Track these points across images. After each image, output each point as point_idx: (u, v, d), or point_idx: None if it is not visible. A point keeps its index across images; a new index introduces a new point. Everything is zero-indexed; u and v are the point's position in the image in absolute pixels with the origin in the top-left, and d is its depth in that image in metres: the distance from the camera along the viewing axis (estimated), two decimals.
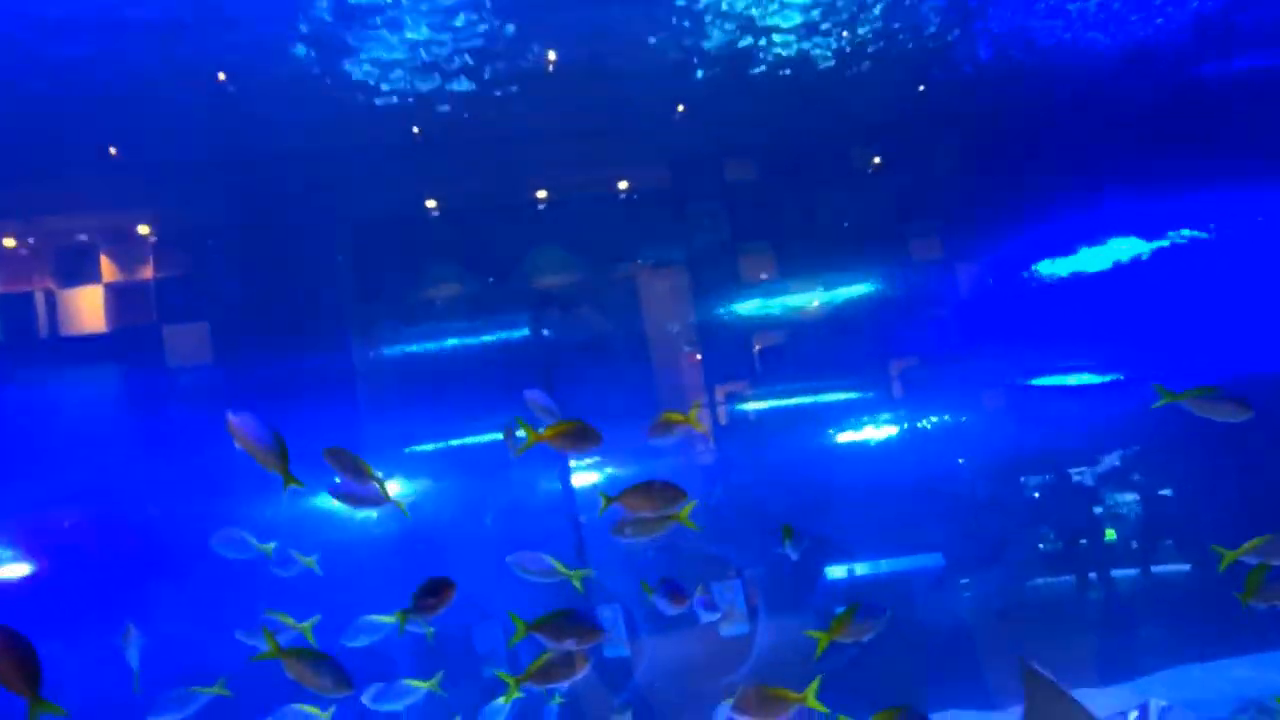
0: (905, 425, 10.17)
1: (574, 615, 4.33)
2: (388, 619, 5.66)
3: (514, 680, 4.43)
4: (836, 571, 8.82)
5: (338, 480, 4.64)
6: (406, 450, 9.87)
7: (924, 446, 9.89)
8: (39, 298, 10.30)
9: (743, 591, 8.82)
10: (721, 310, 10.79)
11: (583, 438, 4.53)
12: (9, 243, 10.13)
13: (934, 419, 10.25)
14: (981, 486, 9.39)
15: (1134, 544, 9.55)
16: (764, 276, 10.92)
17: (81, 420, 9.74)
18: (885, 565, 8.35)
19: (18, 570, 9.11)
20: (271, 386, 9.70)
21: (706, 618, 5.61)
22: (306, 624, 5.31)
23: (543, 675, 4.37)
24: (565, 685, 4.59)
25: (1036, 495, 9.88)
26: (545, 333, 9.46)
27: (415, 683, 5.51)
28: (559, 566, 5.20)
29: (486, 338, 9.82)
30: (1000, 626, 8.40)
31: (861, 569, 8.46)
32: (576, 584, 5.17)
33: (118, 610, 5.42)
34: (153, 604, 7.93)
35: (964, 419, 10.20)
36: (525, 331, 9.19)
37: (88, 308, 10.49)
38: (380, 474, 4.60)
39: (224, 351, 10.26)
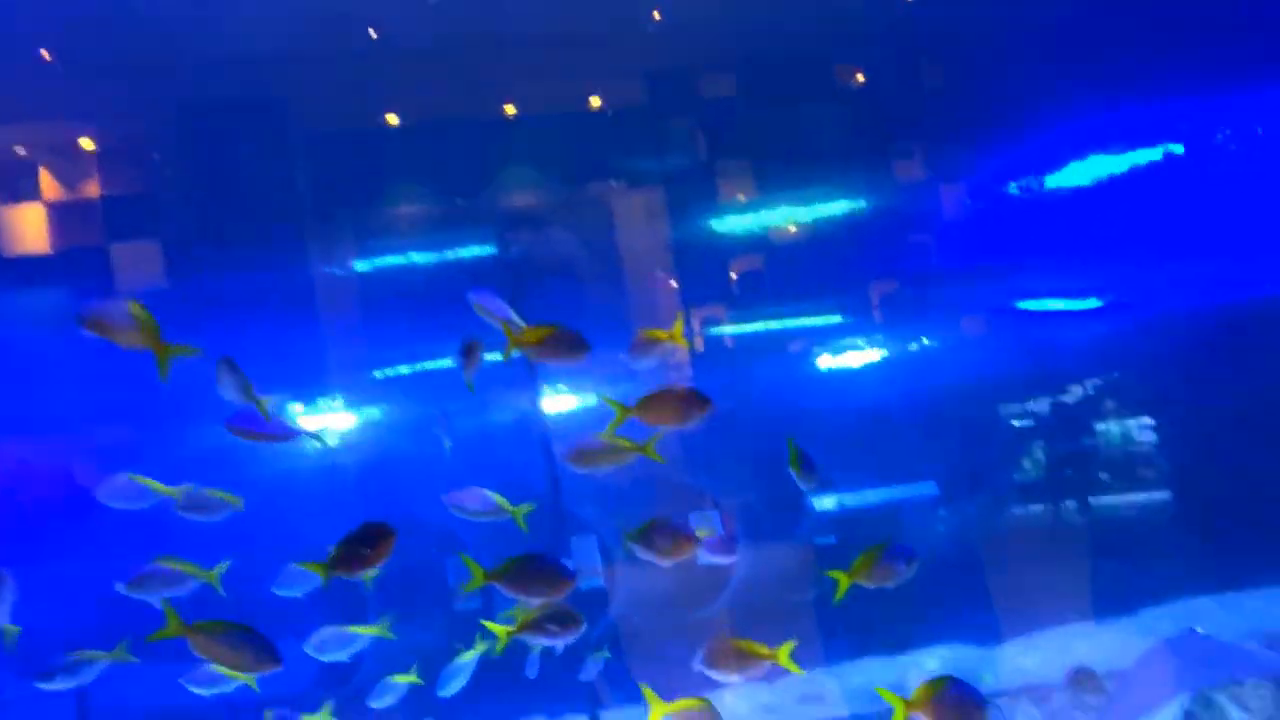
0: (887, 350, 9.92)
1: (540, 561, 3.80)
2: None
3: (503, 632, 3.96)
4: (824, 501, 8.60)
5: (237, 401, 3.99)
6: (370, 374, 9.50)
7: (906, 371, 9.66)
8: None
9: (721, 522, 8.61)
10: (698, 232, 10.41)
11: (567, 345, 4.02)
12: None
13: (917, 344, 10.01)
14: (968, 412, 9.18)
15: (1139, 472, 9.42)
16: (742, 197, 10.53)
17: (24, 348, 9.25)
18: (874, 495, 8.12)
19: None
20: (227, 307, 9.25)
21: (713, 558, 4.86)
22: (214, 571, 4.46)
23: (535, 629, 3.90)
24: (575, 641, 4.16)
25: (1023, 422, 9.73)
26: (513, 253, 9.01)
27: (359, 629, 5.06)
28: (502, 503, 4.70)
29: (452, 257, 9.36)
30: (993, 558, 8.25)
31: (851, 499, 8.23)
32: (520, 522, 4.69)
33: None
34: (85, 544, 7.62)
35: (947, 343, 9.96)
36: (493, 251, 8.74)
37: (28, 227, 9.97)
38: (270, 399, 4.03)
39: (177, 272, 9.78)
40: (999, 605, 7.64)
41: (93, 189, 9.93)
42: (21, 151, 9.79)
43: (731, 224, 10.44)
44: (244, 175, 9.58)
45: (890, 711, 3.37)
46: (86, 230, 9.89)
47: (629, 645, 7.11)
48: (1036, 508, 9.42)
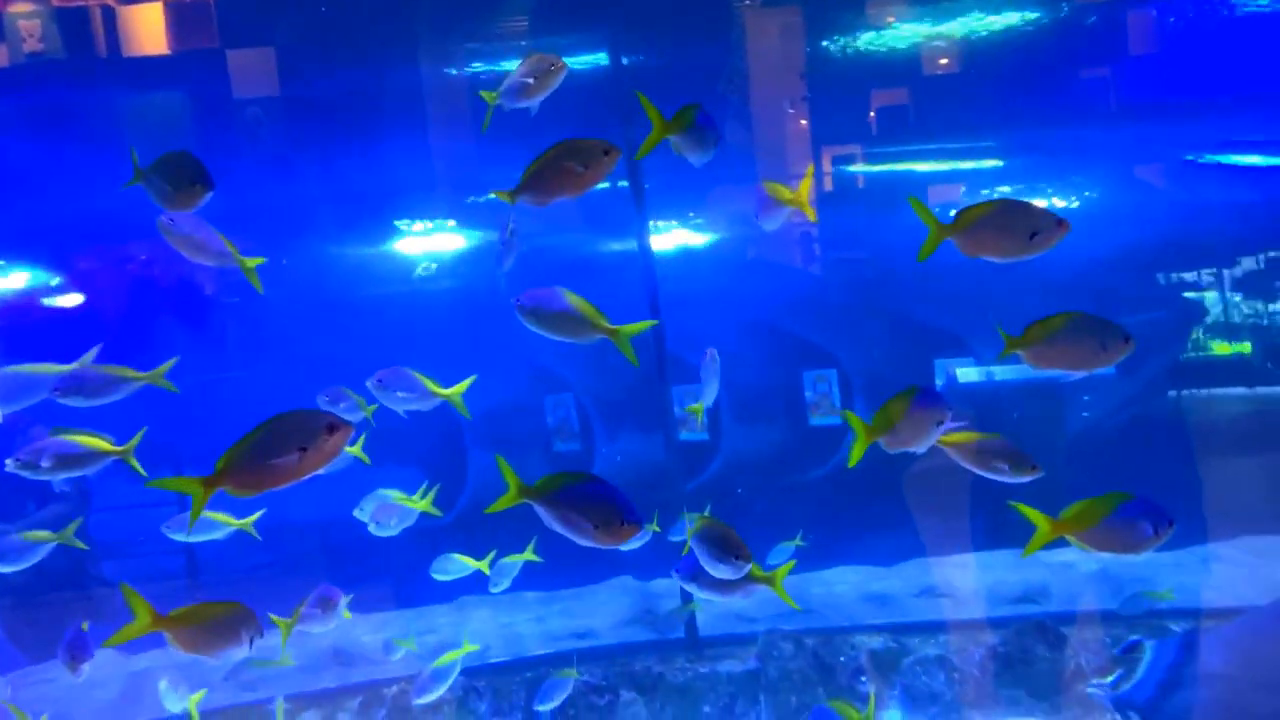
0: (1044, 203, 8.81)
1: (597, 488, 2.82)
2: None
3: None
4: (967, 372, 7.79)
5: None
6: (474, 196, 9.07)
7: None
8: (95, 14, 9.55)
9: (837, 382, 8.05)
10: (838, 59, 9.30)
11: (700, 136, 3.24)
12: None
13: (1078, 197, 8.85)
14: (1130, 282, 8.13)
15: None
16: (892, 19, 9.29)
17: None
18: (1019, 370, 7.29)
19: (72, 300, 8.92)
20: (340, 114, 8.89)
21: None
22: (248, 520, 4.21)
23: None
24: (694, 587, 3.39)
25: (1194, 295, 8.61)
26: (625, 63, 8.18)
27: (403, 497, 4.68)
28: (432, 386, 4.09)
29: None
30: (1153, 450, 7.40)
31: (1002, 371, 7.40)
32: (462, 409, 4.08)
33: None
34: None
35: (1115, 198, 8.75)
36: (605, 62, 7.93)
37: (147, 27, 9.74)
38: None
39: (290, 80, 9.45)
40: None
41: None
42: None
43: (876, 51, 9.27)
44: None
45: None
46: (203, 33, 9.61)
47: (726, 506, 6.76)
48: (1198, 395, 8.42)
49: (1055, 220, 2.95)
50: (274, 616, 4.23)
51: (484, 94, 3.82)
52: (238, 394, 8.16)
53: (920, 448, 3.21)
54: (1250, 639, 5.11)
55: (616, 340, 3.26)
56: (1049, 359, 3.07)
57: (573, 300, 3.29)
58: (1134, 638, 5.96)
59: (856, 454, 3.21)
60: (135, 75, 9.66)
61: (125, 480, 4.02)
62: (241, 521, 4.58)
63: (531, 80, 3.69)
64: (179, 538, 4.76)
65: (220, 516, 4.57)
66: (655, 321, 3.26)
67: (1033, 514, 3.02)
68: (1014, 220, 2.99)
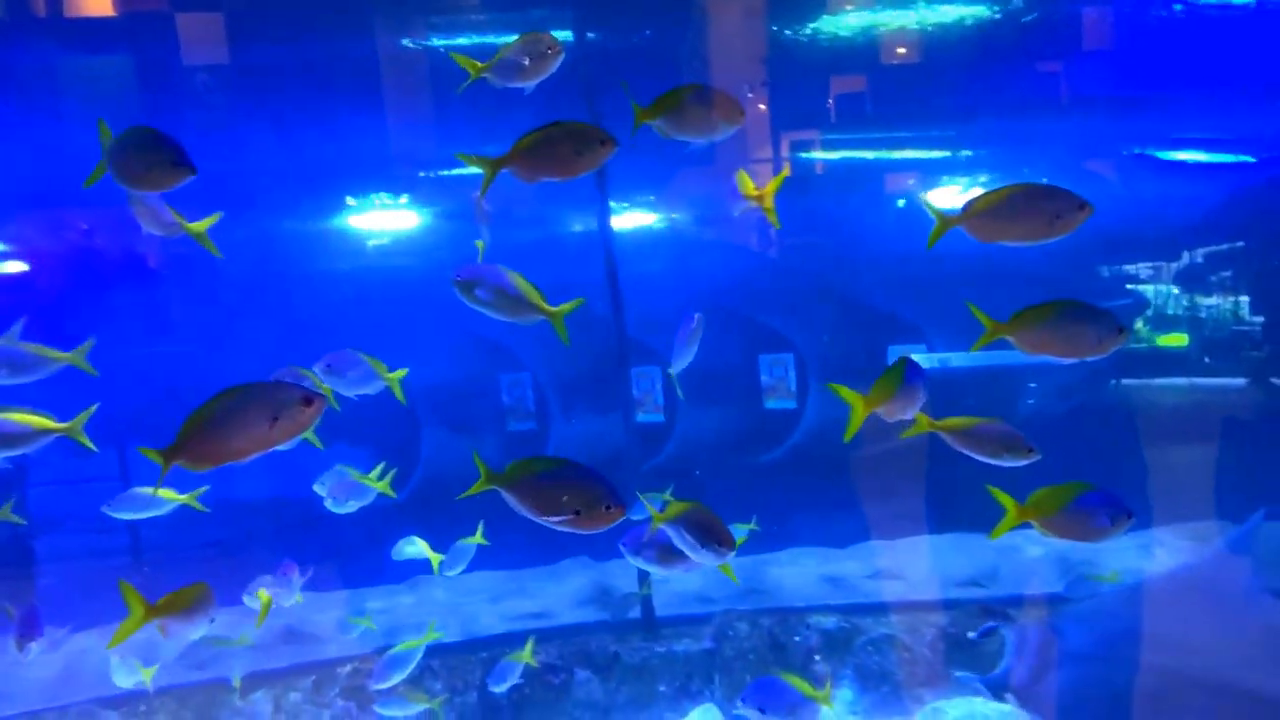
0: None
1: (576, 472, 2.74)
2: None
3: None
4: (919, 359, 7.89)
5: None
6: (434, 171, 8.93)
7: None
8: None
9: (794, 366, 8.11)
10: (799, 43, 9.32)
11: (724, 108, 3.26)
12: None
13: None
14: (1074, 272, 8.29)
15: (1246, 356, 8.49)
16: (850, 7, 9.33)
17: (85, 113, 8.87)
18: (979, 357, 7.41)
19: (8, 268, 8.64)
20: (289, 80, 8.68)
21: None
22: (193, 495, 4.07)
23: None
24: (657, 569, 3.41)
25: (1137, 287, 8.81)
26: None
27: (361, 476, 4.60)
28: (379, 368, 4.02)
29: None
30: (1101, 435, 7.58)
31: (957, 358, 7.51)
32: (398, 392, 4.03)
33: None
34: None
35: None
36: (570, 37, 7.82)
37: None
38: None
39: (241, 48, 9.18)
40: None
41: None
42: None
43: (836, 39, 9.31)
44: None
45: None
46: None
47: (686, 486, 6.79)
48: (1139, 385, 8.64)
49: (1078, 203, 2.97)
50: (261, 593, 4.17)
51: (459, 58, 3.70)
52: (185, 369, 7.97)
53: (908, 415, 3.27)
54: (1104, 619, 5.33)
55: (553, 321, 3.25)
56: (1041, 345, 3.12)
57: (512, 279, 3.26)
58: (990, 623, 6.15)
59: (853, 427, 3.26)
60: (78, 36, 9.30)
61: (66, 456, 3.91)
62: (186, 496, 4.47)
63: (527, 61, 3.58)
64: (122, 516, 4.63)
65: (167, 493, 4.45)
66: (583, 300, 3.20)
67: (1002, 497, 3.10)
68: (1036, 204, 3.01)
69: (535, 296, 3.26)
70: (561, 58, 3.63)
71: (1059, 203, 2.98)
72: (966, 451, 3.34)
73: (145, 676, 4.71)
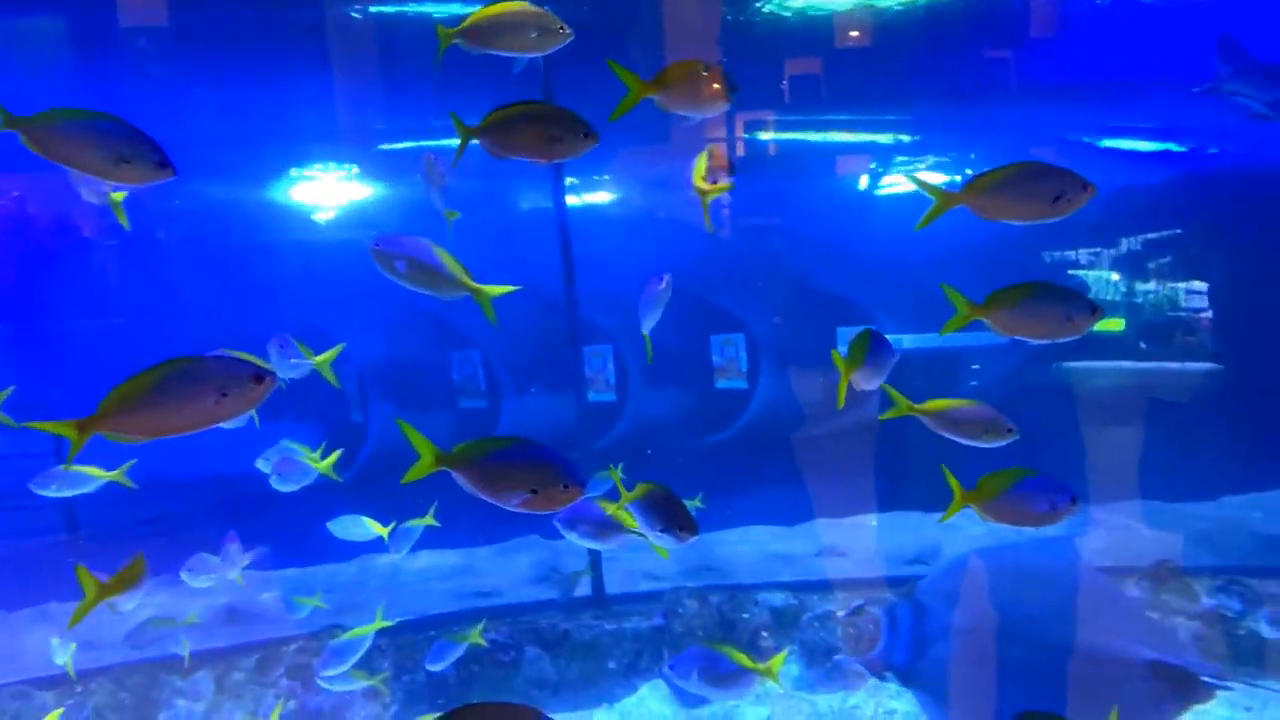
0: (944, 176, 9.06)
1: (532, 451, 2.66)
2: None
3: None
4: None
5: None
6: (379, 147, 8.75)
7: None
8: None
9: (744, 346, 8.16)
10: (752, 26, 9.30)
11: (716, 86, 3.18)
12: None
13: (975, 172, 9.12)
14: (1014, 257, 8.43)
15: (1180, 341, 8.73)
16: None
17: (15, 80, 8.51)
18: (932, 338, 7.50)
19: None
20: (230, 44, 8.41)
21: None
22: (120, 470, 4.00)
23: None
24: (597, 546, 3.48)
25: (1076, 274, 8.99)
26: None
27: (307, 453, 4.51)
28: (306, 352, 3.95)
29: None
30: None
31: (909, 340, 7.60)
32: (331, 378, 3.96)
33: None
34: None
35: None
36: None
37: None
38: None
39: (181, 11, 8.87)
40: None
41: None
42: None
43: (791, 20, 9.30)
44: None
45: None
46: None
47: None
48: (1078, 368, 8.83)
49: (1082, 183, 2.97)
50: (238, 575, 4.11)
51: (440, 30, 3.56)
52: (122, 341, 7.75)
53: (873, 385, 3.33)
54: (969, 592, 5.42)
55: (479, 299, 3.15)
56: (1015, 326, 3.12)
57: (436, 252, 3.14)
58: (857, 601, 6.29)
59: (843, 391, 3.32)
60: None
61: None
62: (114, 473, 4.35)
63: (534, 35, 3.33)
64: (49, 494, 4.50)
65: (93, 470, 4.33)
66: (520, 287, 3.13)
67: (952, 481, 3.13)
68: (1038, 183, 2.99)
69: (459, 272, 3.14)
70: (569, 39, 3.39)
71: (1063, 182, 2.96)
72: (946, 434, 3.34)
73: (65, 661, 4.61)
